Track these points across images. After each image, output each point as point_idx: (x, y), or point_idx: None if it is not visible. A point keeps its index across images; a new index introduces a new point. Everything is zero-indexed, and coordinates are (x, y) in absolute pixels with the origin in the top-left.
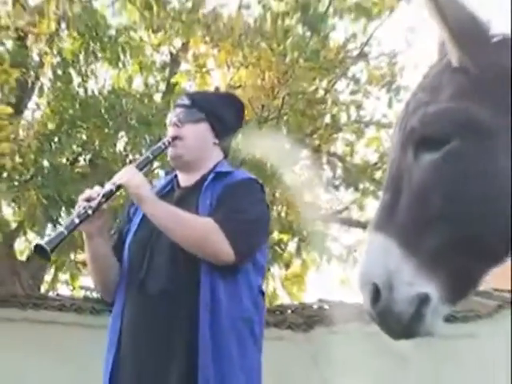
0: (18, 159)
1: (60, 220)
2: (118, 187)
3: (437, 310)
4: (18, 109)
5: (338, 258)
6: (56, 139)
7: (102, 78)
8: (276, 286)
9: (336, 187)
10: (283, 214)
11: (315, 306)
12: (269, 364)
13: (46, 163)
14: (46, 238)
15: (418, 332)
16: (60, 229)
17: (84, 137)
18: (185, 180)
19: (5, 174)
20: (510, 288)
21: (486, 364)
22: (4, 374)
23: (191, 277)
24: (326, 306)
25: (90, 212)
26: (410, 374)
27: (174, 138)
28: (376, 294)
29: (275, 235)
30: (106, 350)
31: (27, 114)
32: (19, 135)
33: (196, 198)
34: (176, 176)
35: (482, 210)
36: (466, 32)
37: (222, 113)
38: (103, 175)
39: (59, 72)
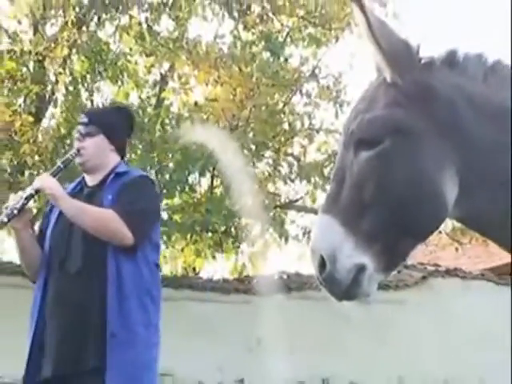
0: (37, 158)
1: None
2: (37, 191)
3: (372, 278)
4: (38, 117)
5: (294, 237)
6: (68, 141)
7: (105, 93)
8: (245, 260)
9: (292, 181)
10: (249, 201)
11: (276, 277)
12: (238, 323)
13: (58, 161)
14: None
15: (356, 295)
16: None
17: None
18: (91, 180)
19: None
20: (432, 262)
21: (413, 324)
22: None
23: (100, 258)
24: (285, 277)
25: (15, 212)
26: (352, 332)
27: (78, 150)
28: (322, 264)
29: (243, 220)
30: (30, 317)
31: (45, 121)
32: (38, 138)
33: (100, 194)
34: (83, 178)
35: (408, 197)
36: (396, 55)
37: (114, 124)
38: None
39: (70, 88)
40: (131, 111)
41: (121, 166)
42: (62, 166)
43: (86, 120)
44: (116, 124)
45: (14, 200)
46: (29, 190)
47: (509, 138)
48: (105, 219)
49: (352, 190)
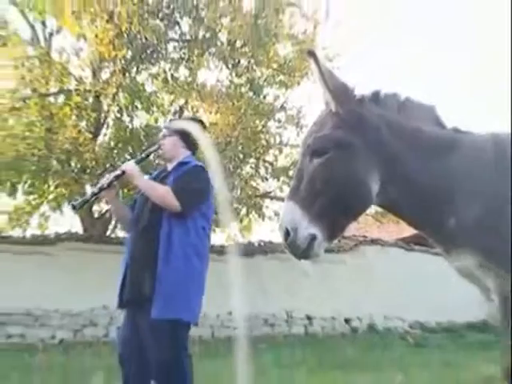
0: (94, 163)
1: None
2: (122, 172)
3: (320, 244)
4: (95, 135)
5: (268, 217)
6: (115, 151)
7: (141, 119)
8: (235, 232)
9: (267, 179)
10: (239, 192)
11: (256, 244)
12: (228, 274)
13: (108, 165)
14: (77, 201)
15: (310, 256)
16: (86, 195)
17: (130, 149)
18: (169, 166)
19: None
20: (361, 234)
21: (350, 279)
22: None
23: (159, 220)
24: (263, 244)
25: (105, 186)
26: (307, 281)
27: (159, 146)
28: (287, 234)
29: (234, 204)
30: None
31: (100, 138)
32: (95, 149)
33: (169, 176)
34: (166, 166)
35: (345, 190)
36: (339, 93)
37: (185, 131)
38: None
39: (118, 115)
40: (199, 119)
41: (187, 158)
42: (144, 156)
43: (167, 126)
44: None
45: (105, 178)
46: (116, 172)
47: (417, 153)
48: (162, 193)
49: (307, 185)
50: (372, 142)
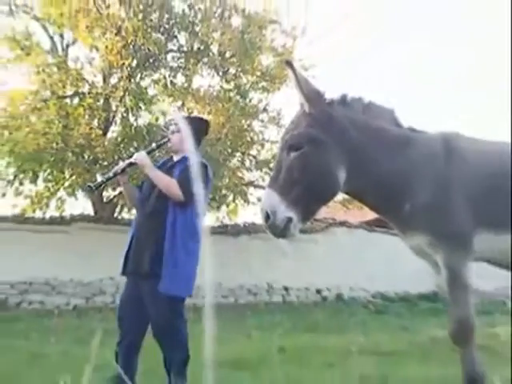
0: (104, 155)
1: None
2: (135, 161)
3: (296, 225)
4: (104, 132)
5: (252, 202)
6: (122, 146)
7: (145, 118)
8: (223, 215)
9: (252, 170)
10: (227, 181)
11: (241, 225)
12: (216, 252)
13: (116, 157)
14: (94, 182)
15: (287, 235)
16: (103, 178)
17: (135, 144)
18: (175, 157)
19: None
20: (331, 218)
21: (322, 255)
22: None
23: (164, 207)
24: (247, 225)
25: (119, 171)
26: (285, 258)
27: (169, 139)
28: (267, 217)
29: (223, 191)
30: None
31: (109, 134)
32: (105, 144)
33: (175, 168)
34: (172, 156)
35: (316, 179)
36: (312, 97)
37: (193, 128)
38: None
39: (124, 115)
40: (205, 119)
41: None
42: (155, 147)
43: (174, 123)
44: (194, 127)
45: (119, 165)
46: (129, 160)
47: (378, 148)
48: (168, 184)
49: (285, 175)
50: (339, 138)
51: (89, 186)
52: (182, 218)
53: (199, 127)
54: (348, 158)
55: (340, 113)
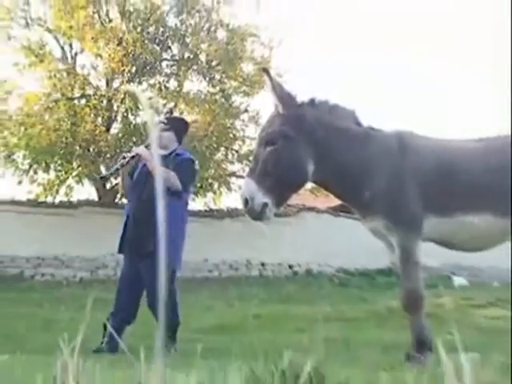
0: (107, 149)
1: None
2: (137, 154)
3: (271, 210)
4: (108, 128)
5: (234, 190)
6: (122, 141)
7: (141, 117)
8: (210, 201)
9: (234, 163)
10: (213, 172)
11: (225, 209)
12: (205, 233)
13: (118, 150)
14: (106, 173)
15: (263, 218)
16: (111, 169)
17: (134, 139)
18: (163, 152)
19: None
20: (301, 204)
21: (293, 236)
22: None
23: (168, 197)
24: (230, 210)
25: (124, 163)
26: (263, 237)
27: (159, 136)
28: (246, 202)
29: (210, 180)
30: (124, 216)
31: (111, 130)
32: (108, 139)
33: (167, 161)
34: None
35: (288, 170)
36: (285, 99)
37: (178, 128)
38: None
39: (125, 114)
40: (186, 120)
41: (179, 149)
42: (149, 143)
43: (165, 122)
44: (178, 127)
45: (123, 158)
46: (131, 153)
47: (342, 143)
48: (169, 175)
49: (261, 167)
50: (308, 135)
51: (102, 176)
52: (175, 203)
53: (180, 126)
54: (315, 153)
55: (309, 113)
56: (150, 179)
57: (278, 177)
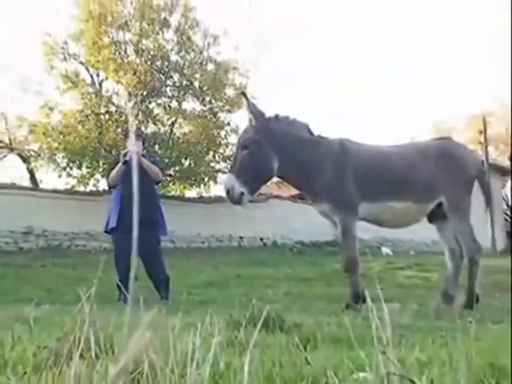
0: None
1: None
2: (126, 152)
3: (246, 197)
4: (125, 136)
5: (220, 183)
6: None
7: (150, 128)
8: (201, 191)
9: (219, 162)
10: (204, 169)
11: (213, 197)
12: (195, 215)
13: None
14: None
15: (241, 204)
16: (122, 160)
17: (145, 145)
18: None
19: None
20: (269, 193)
21: (263, 217)
22: None
23: (149, 184)
24: (216, 197)
25: (128, 158)
26: (240, 218)
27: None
28: (228, 191)
29: (202, 175)
30: (113, 209)
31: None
32: (125, 145)
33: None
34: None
35: (259, 168)
36: (257, 115)
37: (144, 136)
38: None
39: (138, 126)
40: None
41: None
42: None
43: (137, 133)
44: (145, 136)
45: (127, 154)
46: (131, 151)
47: (298, 147)
48: (154, 169)
49: (239, 165)
50: (274, 142)
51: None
52: (156, 188)
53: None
54: (279, 155)
55: (274, 126)
56: (138, 170)
57: (251, 172)
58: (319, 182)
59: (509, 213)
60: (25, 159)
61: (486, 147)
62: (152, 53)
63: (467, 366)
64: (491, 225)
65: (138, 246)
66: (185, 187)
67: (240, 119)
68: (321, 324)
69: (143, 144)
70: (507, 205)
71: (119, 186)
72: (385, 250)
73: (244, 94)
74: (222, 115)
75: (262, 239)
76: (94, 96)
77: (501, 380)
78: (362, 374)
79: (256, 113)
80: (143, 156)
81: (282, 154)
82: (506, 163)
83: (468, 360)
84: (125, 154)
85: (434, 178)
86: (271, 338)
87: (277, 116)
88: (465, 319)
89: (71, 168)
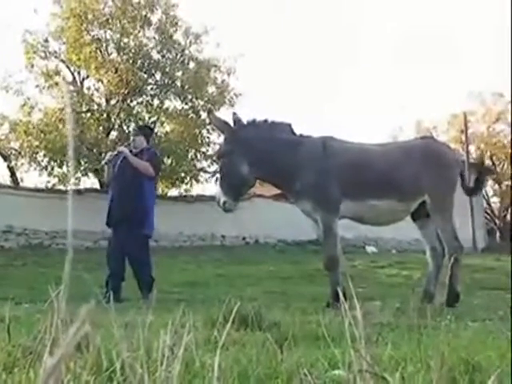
0: (106, 150)
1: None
2: (119, 152)
3: (231, 204)
4: (107, 135)
5: (201, 182)
6: (118, 145)
7: (132, 126)
8: (188, 188)
9: (201, 161)
10: (186, 168)
11: (194, 196)
12: (178, 215)
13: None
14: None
15: (228, 210)
16: (104, 160)
17: (127, 143)
18: (134, 150)
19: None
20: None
21: (247, 216)
22: None
23: (139, 179)
24: (199, 196)
25: (111, 157)
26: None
27: (133, 140)
28: (218, 201)
29: (183, 174)
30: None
31: (110, 137)
32: (107, 143)
33: (141, 156)
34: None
35: (230, 177)
36: (221, 128)
37: (146, 133)
38: None
39: (119, 124)
40: (151, 127)
41: (147, 147)
42: (127, 145)
43: (136, 130)
44: (146, 132)
45: (109, 155)
46: (115, 151)
47: (279, 148)
48: (146, 165)
49: (220, 174)
50: (244, 148)
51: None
52: (148, 185)
53: (147, 131)
54: (252, 160)
55: (250, 131)
56: (127, 170)
57: (227, 181)
58: (300, 182)
59: (489, 211)
60: (5, 158)
61: (467, 146)
62: (133, 51)
63: (441, 362)
64: (472, 224)
65: (124, 244)
66: (167, 186)
67: (222, 117)
68: (299, 322)
69: (150, 136)
70: (488, 204)
71: (112, 184)
72: (370, 248)
73: (211, 112)
74: (203, 114)
75: (244, 238)
76: (75, 94)
77: (474, 377)
78: (336, 372)
79: (220, 126)
80: (148, 149)
81: (257, 158)
82: (487, 163)
83: (442, 357)
84: (116, 155)
85: (418, 176)
86: (249, 336)
87: (253, 121)
88: (445, 317)
89: (52, 167)
